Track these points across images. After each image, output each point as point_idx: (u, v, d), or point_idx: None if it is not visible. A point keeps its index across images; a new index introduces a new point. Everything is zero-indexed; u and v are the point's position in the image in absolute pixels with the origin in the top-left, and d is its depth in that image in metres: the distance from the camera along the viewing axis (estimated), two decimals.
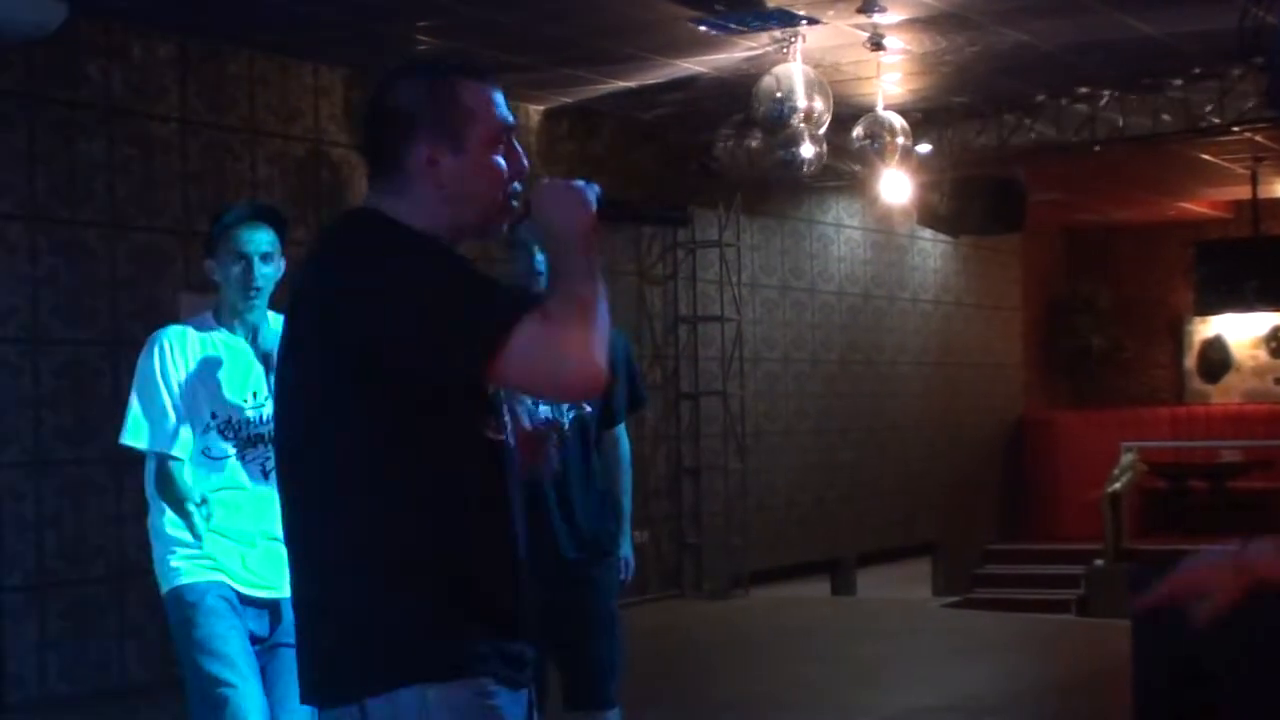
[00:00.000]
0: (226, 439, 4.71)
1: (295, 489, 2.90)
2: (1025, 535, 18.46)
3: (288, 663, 4.16)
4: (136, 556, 8.15)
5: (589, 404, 5.57)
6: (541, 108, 12.37)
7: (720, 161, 13.31)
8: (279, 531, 2.95)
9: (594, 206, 2.88)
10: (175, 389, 4.73)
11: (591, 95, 11.97)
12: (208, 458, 4.69)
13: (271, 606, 4.72)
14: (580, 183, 2.91)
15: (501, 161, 2.95)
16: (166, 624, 4.92)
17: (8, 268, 8.95)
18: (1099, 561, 15.51)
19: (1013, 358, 19.23)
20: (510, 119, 2.97)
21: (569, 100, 12.17)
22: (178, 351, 4.85)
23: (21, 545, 8.92)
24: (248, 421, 4.75)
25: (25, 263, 9.03)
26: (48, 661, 9.01)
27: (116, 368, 9.30)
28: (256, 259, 4.89)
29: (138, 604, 9.13)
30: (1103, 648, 10.24)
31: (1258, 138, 13.76)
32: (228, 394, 4.78)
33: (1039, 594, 16.11)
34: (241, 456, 4.71)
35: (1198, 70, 11.55)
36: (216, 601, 4.71)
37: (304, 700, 2.91)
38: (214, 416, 4.73)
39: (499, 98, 2.95)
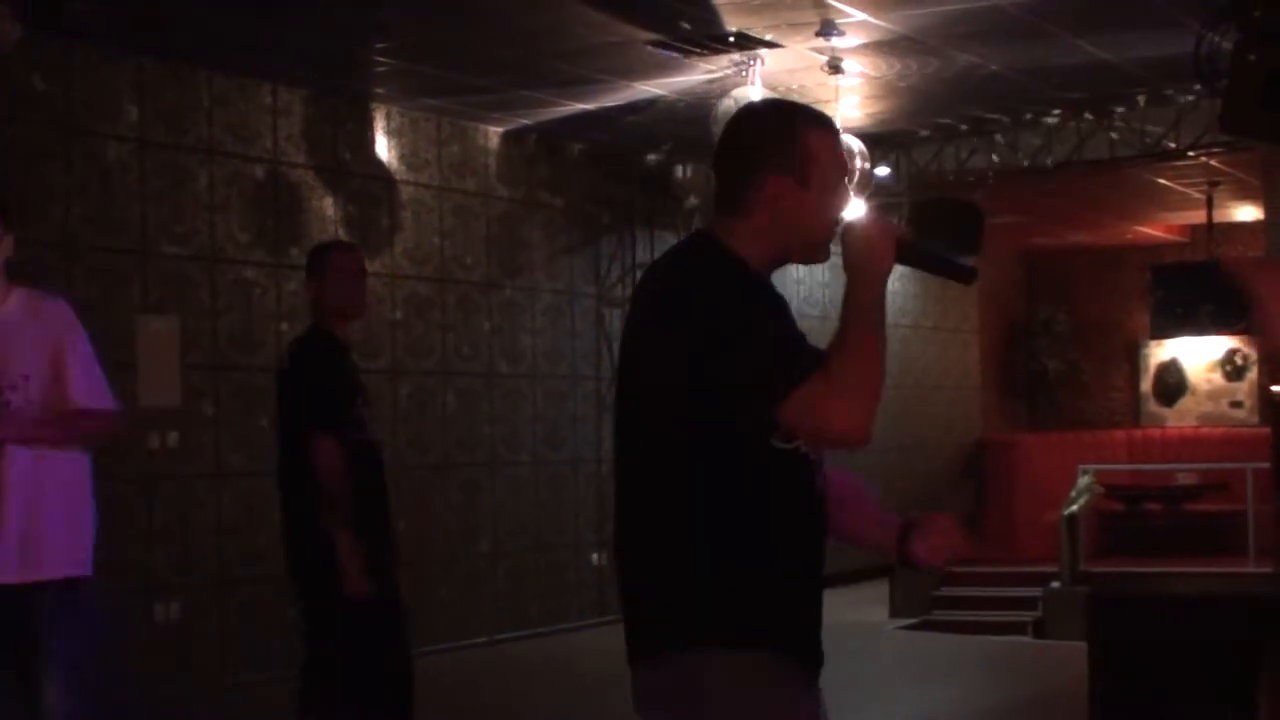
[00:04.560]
0: None
1: (630, 482, 3.24)
2: (982, 557, 18.47)
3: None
4: None
5: None
6: (501, 129, 12.37)
7: (679, 184, 13.35)
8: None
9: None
10: None
11: (552, 117, 11.98)
12: None
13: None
14: (893, 221, 3.24)
15: (836, 203, 3.24)
16: None
17: None
18: (1056, 584, 15.54)
19: (971, 380, 19.30)
20: (849, 165, 3.16)
21: (529, 122, 12.17)
22: None
23: None
24: None
25: None
26: None
27: None
28: None
29: None
30: (1059, 669, 10.28)
31: (1213, 162, 13.86)
32: None
33: (996, 616, 16.14)
34: None
35: (1154, 95, 11.62)
36: None
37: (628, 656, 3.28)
38: None
39: (840, 144, 3.27)
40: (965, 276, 3.38)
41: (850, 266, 3.15)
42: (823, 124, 3.26)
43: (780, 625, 3.17)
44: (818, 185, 3.19)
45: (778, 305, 3.24)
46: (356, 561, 5.80)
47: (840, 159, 3.25)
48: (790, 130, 3.20)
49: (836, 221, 3.25)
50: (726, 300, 3.08)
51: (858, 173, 10.96)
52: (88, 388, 5.21)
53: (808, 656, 3.23)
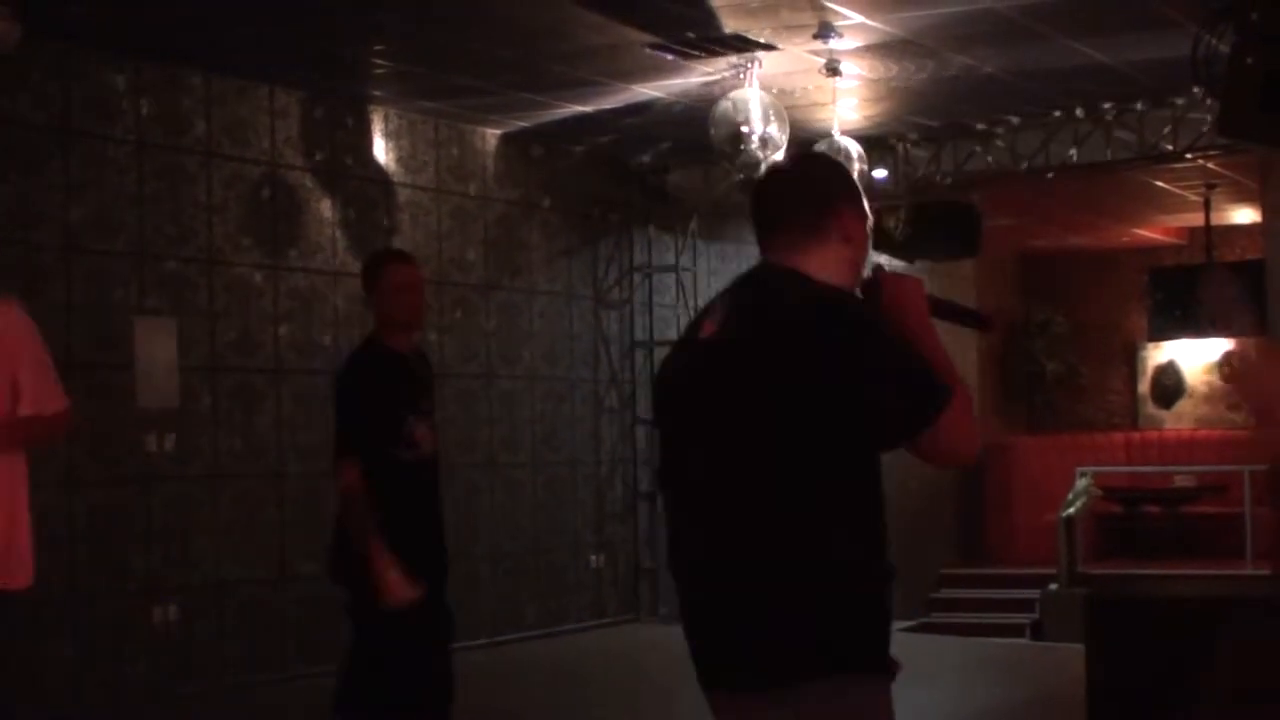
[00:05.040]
0: None
1: (737, 502, 3.26)
2: (981, 559, 18.50)
3: None
4: None
5: None
6: (499, 132, 12.37)
7: (677, 186, 13.35)
8: None
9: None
10: None
11: (549, 120, 11.98)
12: None
13: None
14: (913, 277, 3.50)
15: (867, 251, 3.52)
16: None
17: None
18: (1053, 586, 15.56)
19: (968, 382, 19.16)
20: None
21: (526, 124, 12.17)
22: None
23: None
24: None
25: None
26: None
27: (70, 390, 9.24)
28: None
29: None
30: (1057, 672, 10.28)
31: (1210, 165, 13.86)
32: None
33: (994, 618, 16.15)
34: None
35: (1151, 98, 11.62)
36: None
37: (741, 684, 3.28)
38: None
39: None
40: (983, 326, 3.72)
41: (901, 321, 3.35)
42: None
43: (886, 647, 3.30)
44: (863, 232, 3.50)
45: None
46: (390, 574, 5.81)
47: (866, 210, 3.55)
48: (849, 179, 3.57)
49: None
50: (868, 328, 3.24)
51: (855, 175, 10.97)
52: (37, 394, 5.22)
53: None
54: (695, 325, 3.62)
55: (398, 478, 5.95)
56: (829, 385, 3.18)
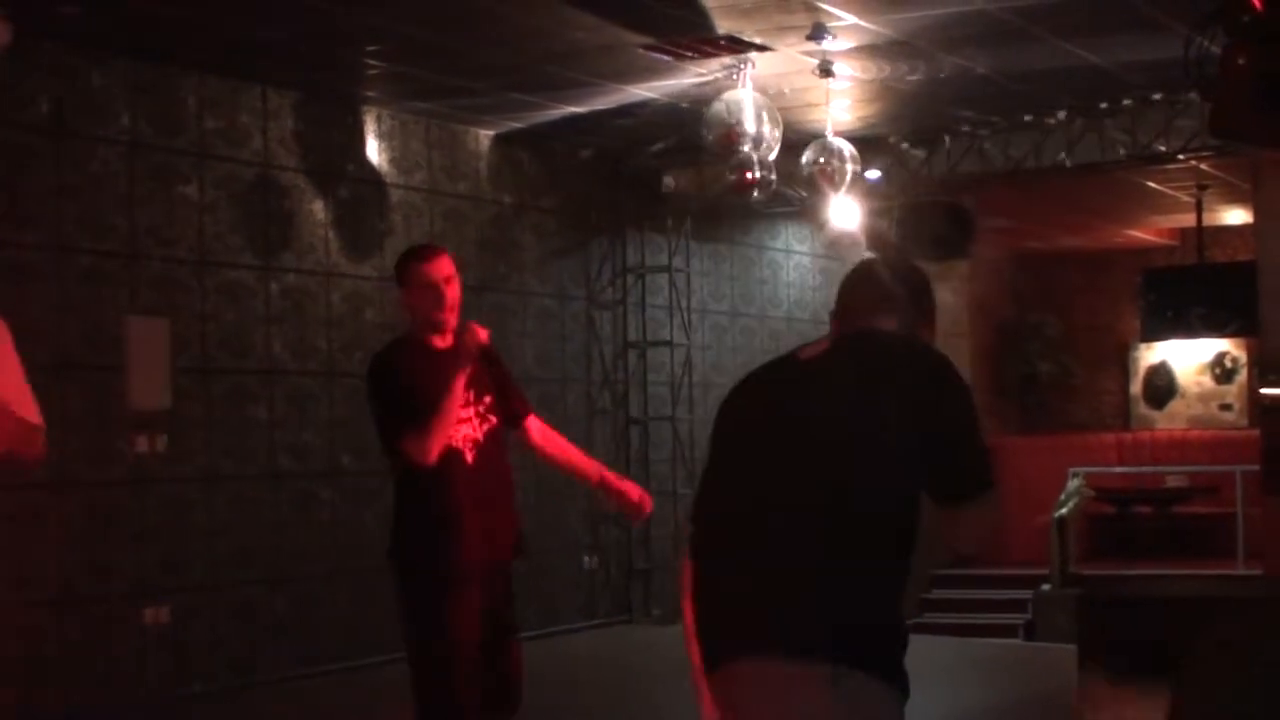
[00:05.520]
0: None
1: (846, 519, 3.53)
2: (973, 560, 18.49)
3: None
4: None
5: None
6: (492, 133, 12.37)
7: (670, 187, 13.35)
8: None
9: None
10: None
11: (542, 120, 11.98)
12: None
13: None
14: None
15: None
16: None
17: None
18: (1046, 586, 15.56)
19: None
20: None
21: (520, 125, 12.17)
22: None
23: None
24: None
25: None
26: None
27: (62, 390, 9.25)
28: None
29: None
30: (1049, 672, 10.28)
31: (1203, 166, 13.88)
32: None
33: (987, 619, 16.15)
34: None
35: (1143, 99, 11.63)
36: None
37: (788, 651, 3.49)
38: None
39: None
40: None
41: None
42: None
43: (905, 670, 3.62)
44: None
45: None
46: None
47: None
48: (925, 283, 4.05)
49: None
50: (966, 391, 3.63)
51: (849, 176, 10.97)
52: (18, 401, 5.12)
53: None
54: (784, 357, 3.91)
55: (421, 472, 5.87)
56: (918, 420, 3.51)
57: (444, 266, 5.96)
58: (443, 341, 5.95)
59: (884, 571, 3.54)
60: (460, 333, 5.89)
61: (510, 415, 6.14)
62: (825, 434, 3.58)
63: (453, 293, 5.94)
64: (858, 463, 3.53)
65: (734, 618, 3.59)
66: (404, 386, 5.84)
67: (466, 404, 5.93)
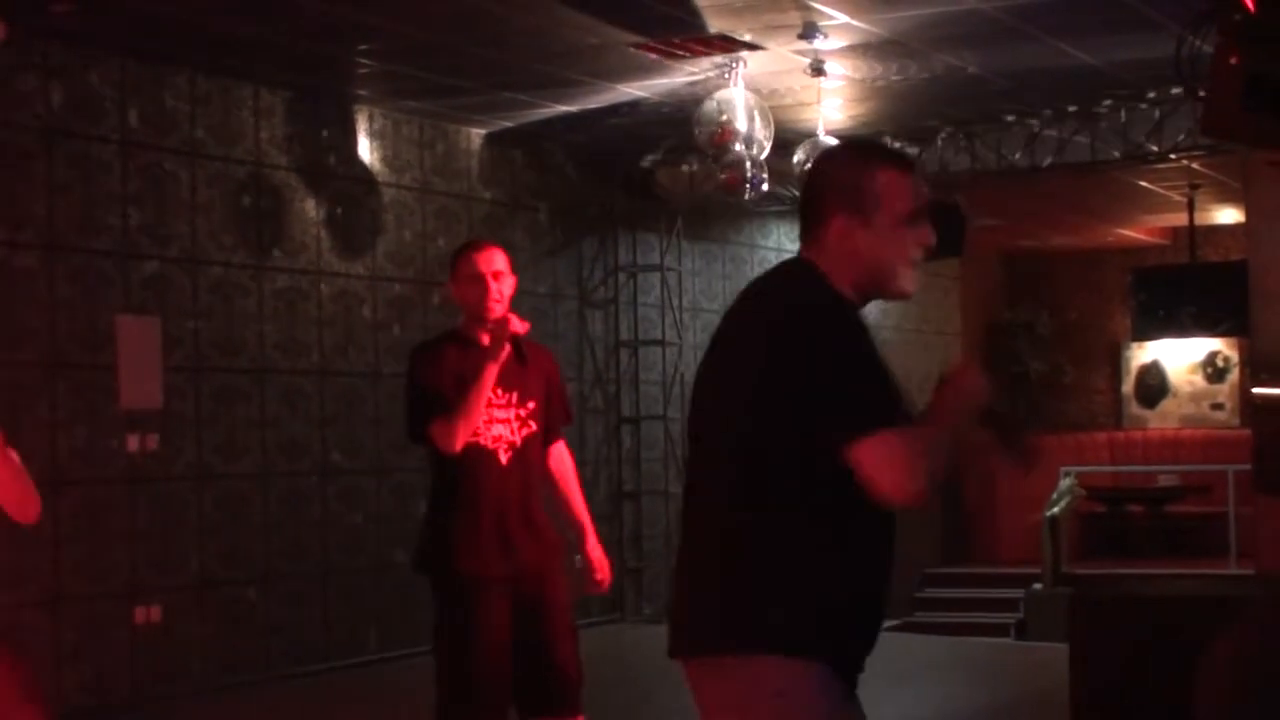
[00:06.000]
0: None
1: (704, 495, 3.42)
2: (965, 559, 18.53)
3: None
4: None
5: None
6: (483, 132, 12.36)
7: (662, 186, 13.34)
8: None
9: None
10: None
11: (534, 120, 11.97)
12: None
13: None
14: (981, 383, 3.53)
15: (909, 238, 3.46)
16: None
17: None
18: (1037, 585, 15.58)
19: None
20: (922, 200, 3.46)
21: (511, 124, 12.17)
22: None
23: None
24: None
25: None
26: None
27: (53, 389, 9.25)
28: None
29: None
30: (1041, 671, 10.29)
31: (1194, 165, 13.88)
32: None
33: (978, 618, 16.17)
34: None
35: (1135, 98, 11.64)
36: None
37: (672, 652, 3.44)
38: None
39: (913, 181, 3.48)
40: (1020, 459, 3.70)
41: (964, 397, 3.50)
42: (892, 162, 3.50)
43: (829, 639, 3.35)
44: (884, 224, 3.41)
45: (868, 341, 3.41)
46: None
47: (909, 195, 3.46)
48: (856, 173, 3.43)
49: (913, 255, 3.50)
50: (825, 327, 3.29)
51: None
52: None
53: (848, 670, 3.43)
54: None
55: (451, 465, 5.85)
56: (770, 378, 3.26)
57: (492, 259, 5.97)
58: (486, 330, 5.96)
59: (770, 546, 3.30)
60: (497, 323, 5.89)
61: (545, 428, 6.12)
62: (695, 405, 3.48)
63: (502, 287, 5.96)
64: (708, 432, 3.41)
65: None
66: (441, 374, 5.83)
67: (506, 405, 5.93)
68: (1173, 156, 12.17)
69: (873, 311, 15.41)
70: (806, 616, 3.29)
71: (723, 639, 3.33)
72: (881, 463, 3.18)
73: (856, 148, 3.74)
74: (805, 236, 3.48)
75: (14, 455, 4.54)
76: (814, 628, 3.30)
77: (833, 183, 3.44)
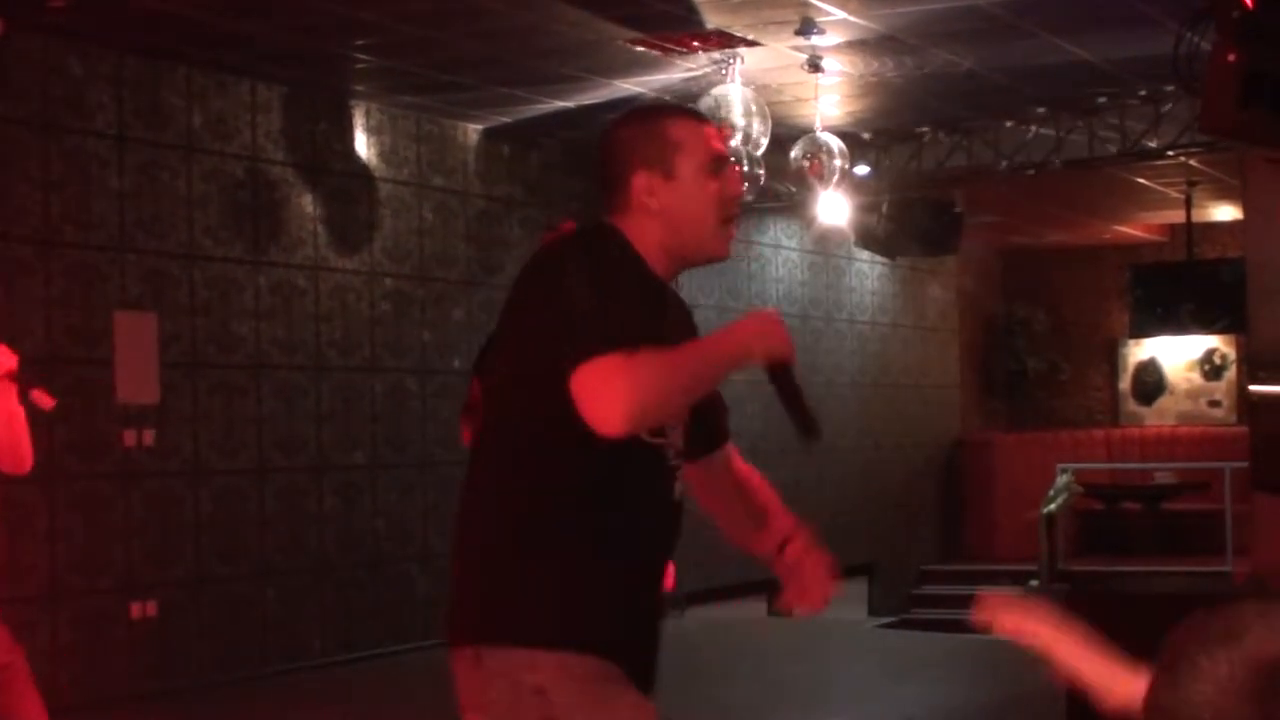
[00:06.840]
0: None
1: (472, 470, 3.31)
2: (962, 556, 18.52)
3: None
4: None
5: None
6: (480, 127, 12.35)
7: None
8: None
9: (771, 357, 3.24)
10: None
11: (531, 115, 11.96)
12: None
13: None
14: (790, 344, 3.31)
15: (714, 189, 3.29)
16: None
17: None
18: (1034, 582, 15.57)
19: (949, 379, 19.32)
20: (720, 148, 3.29)
21: (508, 120, 12.15)
22: None
23: None
24: None
25: None
26: None
27: (50, 385, 9.21)
28: None
29: None
30: (1037, 669, 10.27)
31: (1192, 162, 13.88)
32: None
33: None
34: None
35: (1133, 95, 11.63)
36: None
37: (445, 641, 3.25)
38: None
39: (708, 130, 3.33)
40: (807, 433, 3.31)
41: (737, 327, 3.27)
42: (685, 115, 3.41)
43: (596, 630, 3.15)
44: (686, 174, 3.27)
45: (649, 298, 3.22)
46: None
47: (709, 145, 3.30)
48: (650, 127, 3.34)
49: (720, 206, 3.30)
50: (590, 273, 3.08)
51: (837, 172, 10.96)
52: None
53: (629, 663, 3.23)
54: None
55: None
56: (526, 337, 3.14)
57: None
58: None
59: (516, 530, 3.15)
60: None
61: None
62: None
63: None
64: (492, 413, 3.25)
65: None
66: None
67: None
68: (1170, 153, 12.17)
69: (868, 308, 15.50)
70: (568, 605, 3.12)
71: (481, 626, 3.17)
72: (594, 386, 2.93)
73: (646, 106, 3.61)
74: (609, 204, 3.35)
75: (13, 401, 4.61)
76: (580, 617, 3.12)
77: (628, 141, 3.34)
